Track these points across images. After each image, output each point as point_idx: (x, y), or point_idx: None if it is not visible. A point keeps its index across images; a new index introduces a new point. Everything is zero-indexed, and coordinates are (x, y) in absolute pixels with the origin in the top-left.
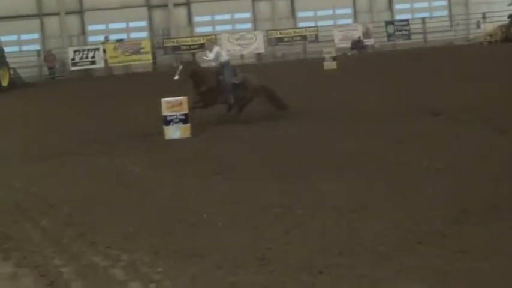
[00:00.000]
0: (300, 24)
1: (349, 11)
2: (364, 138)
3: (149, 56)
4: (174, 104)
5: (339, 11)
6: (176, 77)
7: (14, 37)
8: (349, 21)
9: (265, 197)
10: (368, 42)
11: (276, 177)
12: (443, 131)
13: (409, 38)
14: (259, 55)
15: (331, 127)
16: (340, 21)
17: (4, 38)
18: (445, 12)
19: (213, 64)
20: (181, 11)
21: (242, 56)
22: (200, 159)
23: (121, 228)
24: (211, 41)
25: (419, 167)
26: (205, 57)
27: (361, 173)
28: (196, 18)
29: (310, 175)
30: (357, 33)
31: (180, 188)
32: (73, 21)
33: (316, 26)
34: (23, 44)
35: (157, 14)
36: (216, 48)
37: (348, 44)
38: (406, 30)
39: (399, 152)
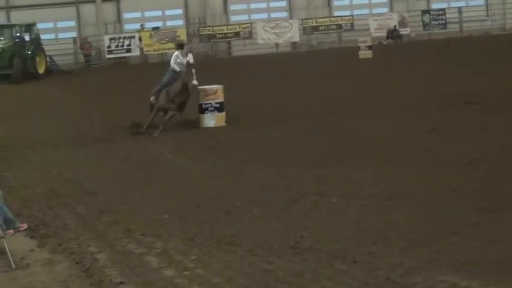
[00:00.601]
0: (336, 13)
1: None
2: (399, 127)
3: None
4: (209, 92)
5: (374, 0)
6: (195, 82)
7: (51, 24)
8: (385, 10)
9: (300, 185)
10: (404, 31)
11: (311, 164)
12: (477, 121)
13: (445, 28)
14: (294, 44)
15: (367, 115)
16: (375, 10)
17: (41, 26)
18: (482, 2)
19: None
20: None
21: (277, 45)
22: (235, 147)
23: (155, 216)
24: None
25: (452, 156)
26: (182, 60)
27: (396, 162)
28: (232, 7)
29: (345, 163)
30: (393, 22)
31: (214, 175)
32: (109, 8)
33: (351, 15)
34: (59, 32)
35: (193, 2)
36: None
37: (383, 33)
38: (442, 19)
39: (433, 141)
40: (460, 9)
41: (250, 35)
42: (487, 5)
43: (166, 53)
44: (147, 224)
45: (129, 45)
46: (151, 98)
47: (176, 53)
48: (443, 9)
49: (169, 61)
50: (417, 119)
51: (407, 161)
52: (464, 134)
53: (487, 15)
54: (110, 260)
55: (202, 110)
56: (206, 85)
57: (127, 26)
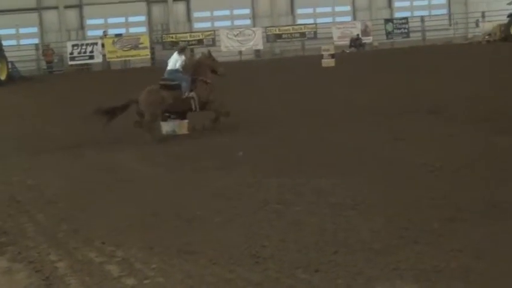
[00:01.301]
0: (299, 21)
1: (348, 8)
2: (363, 135)
3: (147, 51)
4: None
5: (338, 8)
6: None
7: (13, 30)
8: (348, 18)
9: (263, 193)
10: (367, 40)
11: (274, 173)
12: (440, 130)
13: (408, 36)
14: (257, 52)
15: (329, 124)
16: (339, 19)
17: (2, 32)
18: (444, 11)
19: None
20: (181, 6)
21: (241, 53)
22: (198, 155)
23: (116, 224)
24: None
25: (416, 165)
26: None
27: (359, 170)
28: (196, 14)
29: (308, 172)
30: (356, 30)
31: (176, 183)
32: (72, 15)
33: (315, 23)
34: (21, 38)
35: (156, 9)
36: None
37: (346, 42)
38: (405, 28)
39: (396, 150)
40: (422, 18)
41: (213, 43)
42: (449, 14)
43: (129, 59)
44: (108, 233)
45: (91, 51)
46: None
47: (177, 56)
48: (406, 18)
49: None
50: (380, 128)
51: (371, 170)
52: (427, 143)
53: (450, 24)
54: (70, 269)
55: (165, 118)
56: None
57: (90, 33)
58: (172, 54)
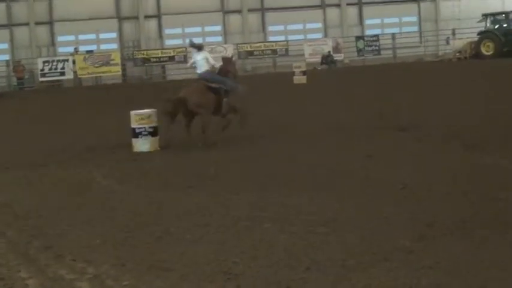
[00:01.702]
0: (271, 38)
1: (319, 25)
2: (333, 152)
3: (119, 68)
4: (143, 117)
5: (309, 26)
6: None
7: None
8: (320, 35)
9: (234, 210)
10: (338, 57)
11: (246, 190)
12: (411, 147)
13: (379, 54)
14: None
15: (300, 140)
16: (310, 36)
17: None
18: (415, 28)
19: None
20: (152, 23)
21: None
22: (169, 172)
23: (87, 241)
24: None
25: (387, 183)
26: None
27: (330, 188)
28: (167, 31)
29: (280, 189)
30: (327, 47)
31: (148, 200)
32: (43, 31)
33: (286, 40)
34: None
35: (128, 26)
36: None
37: (318, 59)
38: (376, 45)
39: (367, 167)
40: (393, 36)
41: (185, 59)
42: (420, 32)
43: (100, 76)
44: (79, 249)
45: (62, 68)
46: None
47: (200, 54)
48: (377, 36)
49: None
50: (352, 145)
51: (342, 187)
52: (398, 160)
53: (420, 42)
54: (40, 286)
55: (136, 134)
56: (140, 109)
57: (61, 49)
58: (192, 55)
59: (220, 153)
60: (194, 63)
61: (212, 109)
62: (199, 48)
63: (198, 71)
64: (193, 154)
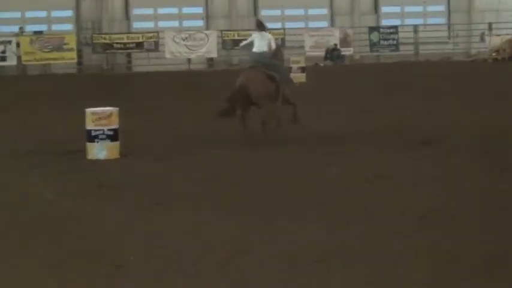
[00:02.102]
0: None
1: (324, 11)
2: (333, 169)
3: (74, 54)
4: (101, 116)
5: (312, 11)
6: None
7: None
8: (325, 24)
9: (207, 236)
10: (346, 51)
11: (225, 212)
12: (433, 165)
13: (397, 49)
14: (210, 60)
15: (292, 154)
16: (312, 24)
17: None
18: (443, 20)
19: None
20: (117, 1)
21: (189, 61)
22: (130, 186)
23: (27, 272)
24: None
25: (400, 209)
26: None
27: (328, 214)
28: (135, 11)
29: (263, 212)
30: (333, 39)
31: (103, 220)
32: None
33: (283, 28)
34: None
35: (87, 3)
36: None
37: (321, 53)
38: (393, 39)
39: (377, 189)
40: (416, 28)
41: (156, 47)
42: (448, 25)
43: (50, 64)
44: (18, 278)
45: (3, 52)
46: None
47: (261, 34)
48: (396, 27)
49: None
50: (358, 162)
51: (345, 213)
52: (416, 182)
53: (449, 37)
54: None
55: (91, 138)
56: (98, 107)
57: (2, 28)
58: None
59: (194, 165)
60: (251, 43)
61: (276, 99)
62: (262, 29)
63: (255, 49)
64: (158, 165)
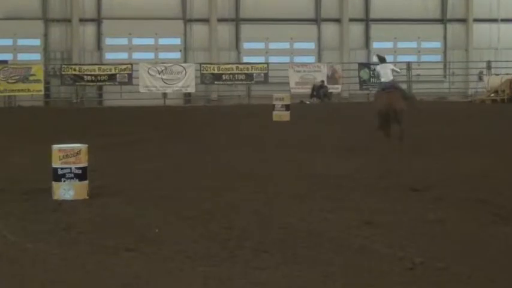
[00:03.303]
0: (245, 59)
1: (311, 45)
2: (318, 214)
3: (41, 86)
4: (69, 153)
5: (298, 45)
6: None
7: None
8: (312, 59)
9: (185, 286)
10: (334, 89)
11: (203, 257)
12: (426, 212)
13: None
14: (187, 95)
15: (276, 197)
16: (298, 59)
17: None
18: (439, 58)
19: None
20: (89, 29)
21: (165, 95)
22: (99, 229)
23: None
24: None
25: (390, 259)
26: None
27: (315, 261)
28: (108, 41)
29: (248, 258)
30: (320, 75)
31: (70, 264)
32: None
33: (266, 63)
34: None
35: (57, 31)
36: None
37: (307, 90)
38: None
39: (366, 237)
40: (409, 65)
41: (129, 80)
42: (445, 63)
43: (15, 96)
44: None
45: None
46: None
47: (385, 66)
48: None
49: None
50: (345, 206)
51: (332, 261)
52: (407, 230)
53: (444, 76)
54: None
55: (58, 177)
56: (65, 143)
57: None
58: (376, 68)
59: (172, 208)
60: (379, 75)
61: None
62: (383, 60)
63: (383, 79)
64: (129, 206)
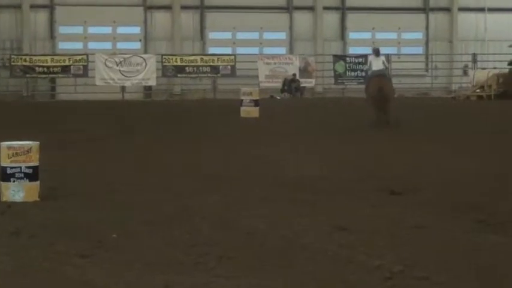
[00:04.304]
0: (211, 50)
1: (283, 36)
2: (289, 219)
3: None
4: (18, 151)
5: (268, 35)
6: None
7: None
8: (283, 50)
9: None
10: (307, 83)
11: (161, 265)
12: (405, 218)
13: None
14: (148, 89)
15: (243, 200)
16: (268, 50)
17: None
18: (420, 50)
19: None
20: (41, 16)
21: (123, 89)
22: (52, 233)
23: None
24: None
25: (367, 268)
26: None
27: (285, 269)
28: (62, 29)
29: (211, 266)
30: (292, 68)
31: (20, 274)
32: None
33: (233, 54)
34: None
35: (5, 18)
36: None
37: (278, 84)
38: (362, 70)
39: (340, 244)
40: (388, 58)
41: (84, 72)
42: (426, 55)
43: None
44: None
45: None
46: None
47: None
48: (365, 56)
49: None
50: (317, 211)
51: (304, 271)
52: (385, 237)
53: (426, 69)
54: None
55: (7, 177)
56: (15, 140)
57: None
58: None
59: (131, 212)
60: (370, 65)
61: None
62: (378, 54)
63: (375, 68)
64: (84, 208)
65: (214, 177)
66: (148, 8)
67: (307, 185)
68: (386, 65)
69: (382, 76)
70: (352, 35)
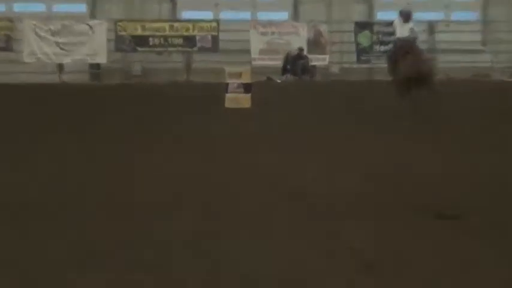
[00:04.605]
0: (185, 14)
1: None
2: (297, 253)
3: None
4: None
5: None
6: None
7: None
8: (284, 15)
9: None
10: (318, 60)
11: None
12: (454, 250)
13: None
14: (96, 68)
15: (232, 229)
16: (264, 15)
17: None
18: (476, 16)
19: None
20: None
21: (61, 67)
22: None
23: None
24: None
25: None
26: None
27: None
28: None
29: None
30: (298, 41)
31: None
32: None
33: (215, 20)
34: None
35: None
36: None
37: (278, 62)
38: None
39: (362, 286)
40: (431, 25)
41: (8, 45)
42: (485, 23)
43: None
44: None
45: None
46: None
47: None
48: None
49: None
50: (340, 243)
51: None
52: (420, 274)
53: (484, 43)
54: None
55: None
56: None
57: None
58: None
59: (68, 229)
60: (394, 31)
61: None
62: (408, 19)
63: (399, 36)
64: (16, 231)
65: (188, 192)
66: None
67: (315, 204)
68: (416, 36)
69: (413, 45)
70: None
